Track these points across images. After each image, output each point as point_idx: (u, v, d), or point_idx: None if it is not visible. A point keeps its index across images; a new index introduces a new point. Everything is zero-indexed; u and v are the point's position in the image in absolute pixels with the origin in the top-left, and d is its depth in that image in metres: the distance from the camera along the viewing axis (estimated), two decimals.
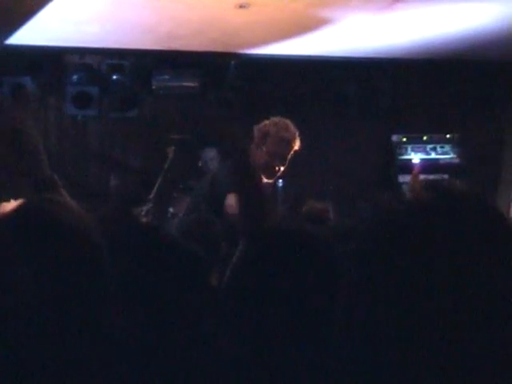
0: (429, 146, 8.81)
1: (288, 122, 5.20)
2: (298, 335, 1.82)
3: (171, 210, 8.07)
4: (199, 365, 2.14)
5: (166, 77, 8.11)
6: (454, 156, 8.84)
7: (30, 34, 6.82)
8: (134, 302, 2.25)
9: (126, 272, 2.29)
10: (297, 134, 5.19)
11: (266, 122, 5.23)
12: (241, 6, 6.06)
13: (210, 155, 8.42)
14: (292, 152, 5.22)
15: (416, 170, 5.25)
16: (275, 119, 5.23)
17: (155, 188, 7.72)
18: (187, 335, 2.34)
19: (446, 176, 8.67)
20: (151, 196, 7.72)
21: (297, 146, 5.21)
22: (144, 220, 7.10)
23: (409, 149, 8.75)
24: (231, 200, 4.71)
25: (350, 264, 1.41)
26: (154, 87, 8.13)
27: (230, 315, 1.94)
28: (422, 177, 8.63)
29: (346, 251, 1.78)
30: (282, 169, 5.23)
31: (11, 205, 4.17)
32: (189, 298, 2.46)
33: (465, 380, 1.23)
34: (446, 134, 8.87)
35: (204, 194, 5.30)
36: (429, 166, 8.73)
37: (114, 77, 8.00)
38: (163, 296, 2.28)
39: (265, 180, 5.25)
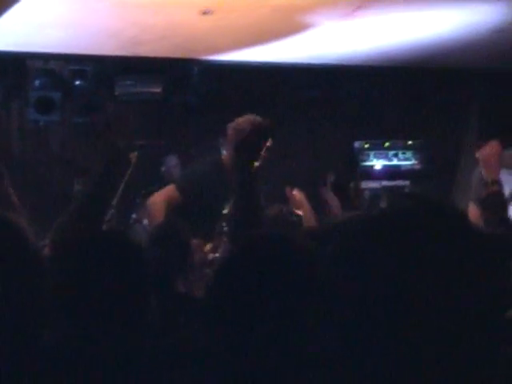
0: (390, 153, 8.89)
1: (261, 119, 5.31)
2: (281, 338, 1.83)
3: (134, 216, 8.05)
4: (170, 368, 2.14)
5: (129, 82, 8.09)
6: (416, 162, 8.93)
7: None
8: (95, 308, 2.24)
9: (86, 278, 2.29)
10: (270, 130, 5.21)
11: (240, 119, 5.35)
12: (204, 13, 6.07)
13: (173, 162, 8.43)
14: (265, 148, 5.34)
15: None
16: (249, 117, 5.35)
17: (117, 194, 7.68)
18: (150, 340, 2.34)
19: (407, 182, 8.76)
20: (113, 202, 7.68)
21: (269, 142, 5.33)
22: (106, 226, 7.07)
23: (371, 155, 8.82)
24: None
25: (329, 266, 1.45)
26: (116, 93, 8.11)
27: (211, 321, 1.93)
28: (383, 183, 8.77)
29: (324, 254, 1.80)
30: (256, 164, 5.33)
31: None
32: (152, 303, 2.46)
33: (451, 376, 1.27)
34: (408, 141, 8.96)
35: None
36: (390, 172, 8.83)
37: (77, 82, 7.97)
38: (125, 301, 2.28)
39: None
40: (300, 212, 5.29)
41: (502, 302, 1.47)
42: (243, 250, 1.99)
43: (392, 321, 1.29)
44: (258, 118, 5.35)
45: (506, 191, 5.33)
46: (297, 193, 5.51)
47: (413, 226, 1.34)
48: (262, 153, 5.42)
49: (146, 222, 7.93)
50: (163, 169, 8.46)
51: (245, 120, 5.33)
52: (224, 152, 5.52)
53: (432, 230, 1.33)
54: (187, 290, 3.64)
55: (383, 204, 8.28)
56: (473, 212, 5.56)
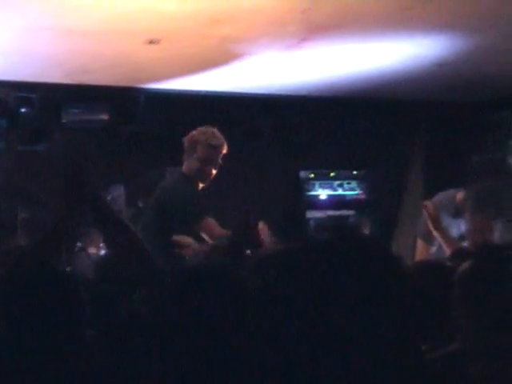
0: (336, 183, 8.96)
1: (214, 129, 5.73)
2: (216, 361, 1.85)
3: (79, 244, 8.00)
4: None
5: (76, 110, 8.06)
6: (360, 192, 9.01)
7: None
8: (29, 339, 2.23)
9: (19, 306, 2.28)
10: (223, 139, 5.72)
11: (194, 132, 5.73)
12: (151, 42, 6.09)
13: (118, 192, 8.38)
14: (221, 156, 5.72)
15: None
16: (202, 129, 5.74)
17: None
18: (90, 368, 2.34)
19: (352, 212, 8.82)
20: None
21: (225, 150, 5.73)
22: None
23: (316, 185, 8.87)
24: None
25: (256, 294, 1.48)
26: (63, 121, 8.07)
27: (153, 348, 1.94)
28: (328, 212, 8.82)
29: (258, 283, 1.83)
30: (214, 172, 5.72)
31: None
32: (92, 333, 2.46)
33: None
34: (353, 171, 9.04)
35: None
36: (336, 202, 8.89)
37: (23, 110, 7.91)
38: (60, 333, 2.27)
39: (200, 185, 5.73)
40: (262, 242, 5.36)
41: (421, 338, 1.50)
42: (177, 284, 2.00)
43: (314, 345, 1.32)
44: (211, 130, 5.71)
45: (455, 234, 5.43)
46: (260, 225, 5.58)
47: (334, 258, 1.38)
48: (219, 161, 5.78)
49: (91, 250, 7.89)
50: (109, 198, 8.41)
51: (198, 132, 5.71)
52: (185, 163, 5.78)
53: (353, 263, 1.37)
54: (132, 318, 3.62)
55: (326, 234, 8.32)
56: (421, 249, 5.65)
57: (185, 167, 5.77)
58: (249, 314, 1.55)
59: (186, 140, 5.76)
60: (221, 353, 1.80)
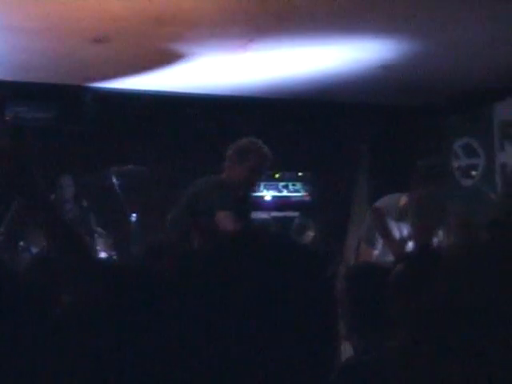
0: (281, 184, 8.97)
1: (259, 141, 5.72)
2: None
3: (22, 243, 7.92)
4: None
5: (20, 108, 7.98)
6: (305, 194, 9.04)
7: None
8: None
9: None
10: None
11: (242, 142, 5.72)
12: (97, 40, 6.07)
13: (66, 183, 8.27)
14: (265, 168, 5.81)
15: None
16: (250, 139, 5.75)
17: (5, 221, 7.58)
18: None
19: (296, 213, 8.85)
20: (1, 229, 7.58)
21: (269, 162, 5.76)
22: None
23: (261, 186, 8.88)
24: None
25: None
26: (7, 118, 7.99)
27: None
28: (273, 214, 8.84)
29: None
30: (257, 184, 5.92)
31: None
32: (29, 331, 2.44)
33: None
34: (298, 173, 9.07)
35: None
36: (280, 203, 8.91)
37: None
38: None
39: (240, 193, 5.70)
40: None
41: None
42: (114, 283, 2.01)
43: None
44: (258, 141, 5.72)
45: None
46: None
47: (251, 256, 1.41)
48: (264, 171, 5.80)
49: (33, 249, 7.81)
50: (56, 194, 8.30)
51: (247, 141, 5.70)
52: (227, 171, 5.72)
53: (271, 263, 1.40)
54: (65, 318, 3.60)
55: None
56: (364, 252, 5.70)
57: (227, 175, 5.69)
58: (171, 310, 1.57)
59: (233, 149, 5.69)
60: (150, 353, 1.82)
